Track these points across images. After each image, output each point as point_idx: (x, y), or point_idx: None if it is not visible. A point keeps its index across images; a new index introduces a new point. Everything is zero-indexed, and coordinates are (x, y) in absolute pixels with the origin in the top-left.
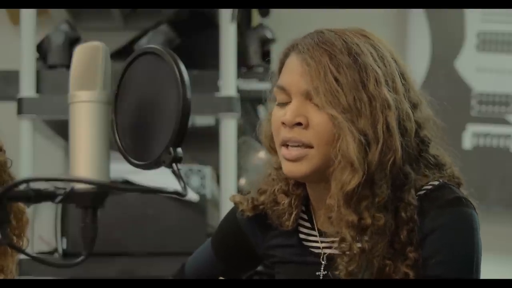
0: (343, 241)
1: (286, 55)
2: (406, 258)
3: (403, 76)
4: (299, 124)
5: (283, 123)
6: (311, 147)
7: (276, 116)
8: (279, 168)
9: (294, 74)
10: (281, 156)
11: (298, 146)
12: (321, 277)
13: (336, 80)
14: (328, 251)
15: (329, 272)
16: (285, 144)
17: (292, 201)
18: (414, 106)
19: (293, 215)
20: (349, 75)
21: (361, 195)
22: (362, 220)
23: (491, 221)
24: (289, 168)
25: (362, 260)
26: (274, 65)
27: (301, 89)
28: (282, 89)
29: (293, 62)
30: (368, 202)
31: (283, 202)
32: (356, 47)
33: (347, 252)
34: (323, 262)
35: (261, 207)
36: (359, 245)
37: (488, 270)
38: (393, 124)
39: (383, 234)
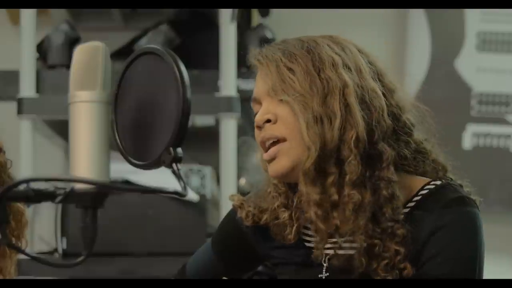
0: (311, 221)
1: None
2: (394, 235)
3: (372, 63)
4: (269, 121)
5: (257, 126)
6: (284, 140)
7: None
8: (277, 183)
9: (257, 80)
10: (264, 162)
11: (273, 143)
12: (323, 278)
13: (289, 69)
14: (329, 252)
15: (331, 274)
16: (264, 147)
17: (293, 214)
18: (391, 91)
19: (294, 228)
20: (302, 63)
21: (325, 172)
22: (329, 197)
23: (491, 221)
24: (272, 168)
25: (344, 240)
26: None
27: (264, 90)
28: (254, 100)
29: (258, 73)
30: (333, 178)
31: (283, 216)
32: (311, 41)
33: (317, 231)
34: (325, 264)
35: (263, 223)
36: (331, 222)
37: (488, 270)
38: (352, 100)
39: (362, 211)
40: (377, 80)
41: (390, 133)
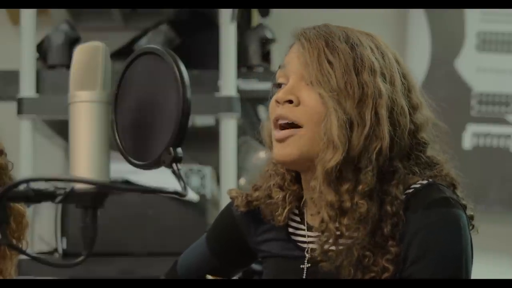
0: (322, 220)
1: (291, 45)
2: (387, 252)
3: (404, 77)
4: (290, 101)
5: (276, 101)
6: (300, 126)
7: (273, 98)
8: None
9: (292, 55)
10: (273, 140)
11: (288, 124)
12: (305, 270)
13: (329, 62)
14: (313, 245)
15: (312, 265)
16: (277, 125)
17: (287, 196)
18: (414, 108)
19: (285, 210)
20: (343, 60)
21: (343, 177)
22: (342, 202)
23: (491, 221)
24: (278, 151)
25: (340, 245)
26: (274, 65)
27: (296, 70)
28: (282, 67)
29: (294, 47)
30: (349, 186)
31: (277, 196)
32: (356, 39)
33: (325, 231)
34: (307, 255)
35: (255, 203)
36: (337, 225)
37: (489, 270)
38: (383, 112)
39: (365, 222)
40: (406, 95)
41: (405, 151)
